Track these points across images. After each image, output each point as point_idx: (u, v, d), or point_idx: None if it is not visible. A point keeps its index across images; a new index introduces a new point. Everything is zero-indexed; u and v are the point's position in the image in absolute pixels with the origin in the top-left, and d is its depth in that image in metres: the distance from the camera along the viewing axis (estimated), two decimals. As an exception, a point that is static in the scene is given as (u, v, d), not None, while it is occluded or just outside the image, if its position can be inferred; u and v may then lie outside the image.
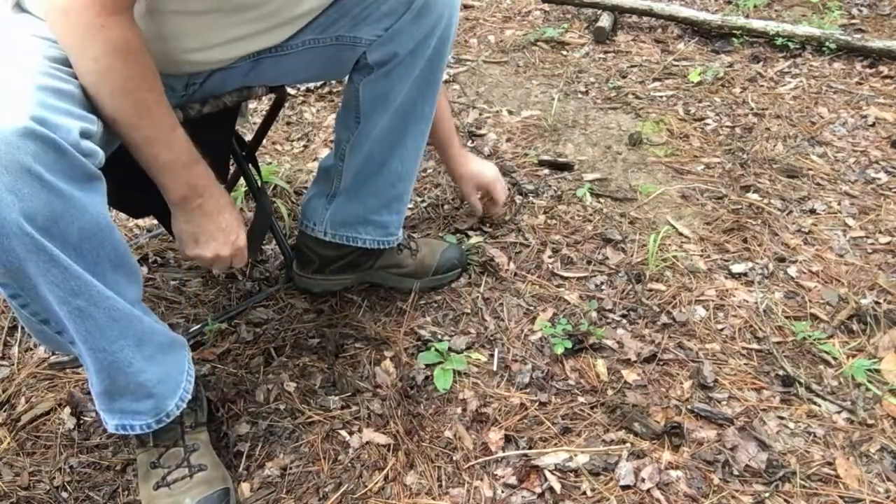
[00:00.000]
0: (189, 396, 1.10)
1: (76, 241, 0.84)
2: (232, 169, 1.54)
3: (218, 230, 1.06)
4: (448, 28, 1.22)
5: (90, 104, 0.90)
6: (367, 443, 1.20)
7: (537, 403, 1.27)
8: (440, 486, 1.13)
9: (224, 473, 1.12)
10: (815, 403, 1.26)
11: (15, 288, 0.85)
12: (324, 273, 1.49)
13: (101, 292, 0.90)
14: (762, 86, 2.44)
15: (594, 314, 1.47)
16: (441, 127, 1.52)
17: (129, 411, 1.04)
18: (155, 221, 1.71)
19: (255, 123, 2.15)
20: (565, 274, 1.59)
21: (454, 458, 1.17)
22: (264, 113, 1.49)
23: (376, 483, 1.14)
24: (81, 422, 1.26)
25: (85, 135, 0.84)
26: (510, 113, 2.32)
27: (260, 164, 1.69)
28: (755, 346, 1.39)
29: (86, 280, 0.87)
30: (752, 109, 2.29)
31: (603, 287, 1.55)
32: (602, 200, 1.85)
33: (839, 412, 1.24)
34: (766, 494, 1.10)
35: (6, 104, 0.77)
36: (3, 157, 0.75)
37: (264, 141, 2.09)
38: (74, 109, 0.84)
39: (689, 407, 1.25)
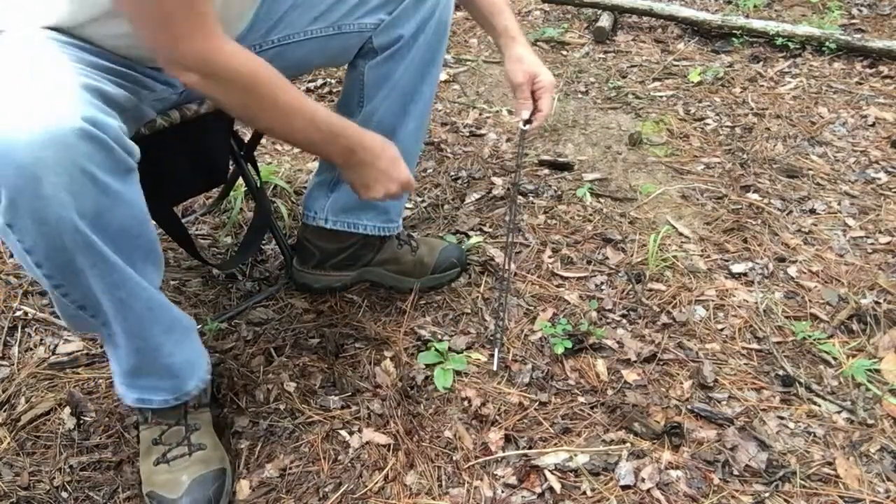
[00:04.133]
0: (208, 377, 1.13)
1: (116, 234, 0.87)
2: (231, 168, 1.54)
3: (380, 173, 1.16)
4: (446, 8, 1.28)
5: (121, 104, 0.91)
6: (367, 443, 1.20)
7: (537, 403, 1.27)
8: (440, 486, 1.13)
9: (223, 455, 1.14)
10: (815, 403, 1.26)
11: (59, 279, 0.88)
12: (324, 268, 1.49)
13: (139, 283, 0.94)
14: (762, 86, 2.44)
15: (594, 314, 1.47)
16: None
17: (151, 387, 1.08)
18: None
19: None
20: (565, 274, 1.59)
21: (454, 458, 1.17)
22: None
23: (376, 483, 1.14)
24: (81, 422, 1.25)
25: (125, 133, 0.87)
26: (510, 113, 2.32)
27: (260, 163, 1.69)
28: (755, 346, 1.39)
29: (127, 273, 0.92)
30: (752, 109, 2.29)
31: (603, 287, 1.55)
32: (602, 200, 1.85)
33: (839, 412, 1.24)
34: (766, 494, 1.10)
35: (58, 105, 0.79)
36: (63, 160, 0.78)
37: (264, 140, 2.10)
38: (113, 110, 0.87)
39: (689, 407, 1.25)
